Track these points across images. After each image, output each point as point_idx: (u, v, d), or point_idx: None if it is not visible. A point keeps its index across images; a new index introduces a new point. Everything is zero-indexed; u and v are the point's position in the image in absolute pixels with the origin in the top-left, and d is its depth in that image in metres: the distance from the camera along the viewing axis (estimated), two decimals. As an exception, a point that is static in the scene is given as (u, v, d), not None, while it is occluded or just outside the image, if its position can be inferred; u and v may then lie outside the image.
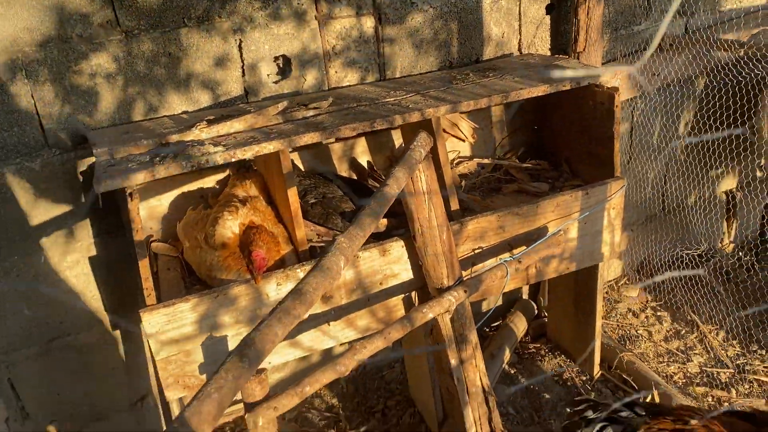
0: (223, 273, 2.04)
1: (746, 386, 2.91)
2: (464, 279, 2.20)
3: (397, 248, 2.18)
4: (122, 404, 2.63)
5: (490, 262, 2.34)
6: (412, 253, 2.20)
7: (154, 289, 1.95)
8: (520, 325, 3.22)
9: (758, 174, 3.71)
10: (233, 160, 1.87)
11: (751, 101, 3.15)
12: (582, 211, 2.42)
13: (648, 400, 2.74)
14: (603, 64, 2.90)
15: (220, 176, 2.46)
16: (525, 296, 3.44)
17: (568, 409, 2.21)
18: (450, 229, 2.15)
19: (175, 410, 2.19)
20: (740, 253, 3.89)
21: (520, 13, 2.76)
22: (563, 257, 2.49)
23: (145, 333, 1.92)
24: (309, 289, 1.33)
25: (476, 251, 2.33)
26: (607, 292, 3.57)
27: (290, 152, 2.57)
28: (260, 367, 1.93)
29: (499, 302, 3.39)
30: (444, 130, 2.71)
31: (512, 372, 3.08)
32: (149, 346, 1.96)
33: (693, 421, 1.92)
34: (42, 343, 2.38)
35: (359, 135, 2.67)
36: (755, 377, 2.96)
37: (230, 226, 2.06)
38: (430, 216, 2.08)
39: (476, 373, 2.27)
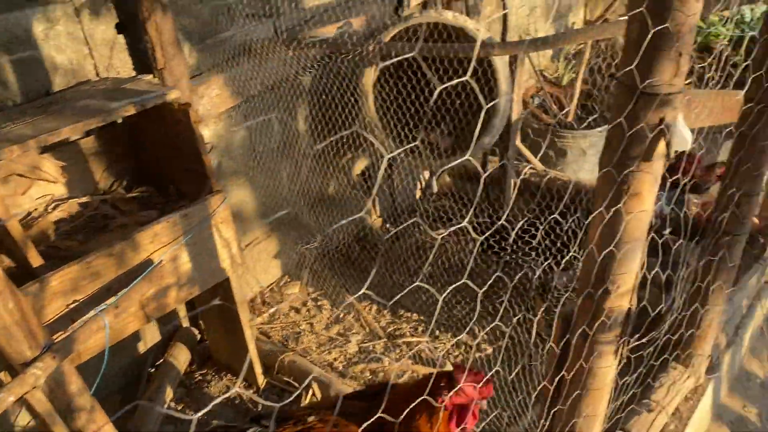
0: None
1: (397, 352, 3.16)
2: (54, 343, 1.96)
3: (-40, 331, 1.85)
4: None
5: (93, 314, 2.13)
6: (-17, 330, 1.89)
7: None
8: (181, 356, 3.07)
9: (383, 151, 4.05)
10: None
11: (355, 89, 3.39)
12: (186, 234, 2.34)
13: (310, 394, 2.81)
14: (193, 77, 2.84)
15: None
16: (186, 323, 3.29)
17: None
18: (17, 293, 1.87)
19: None
20: (387, 225, 4.23)
21: (85, 37, 2.54)
22: (181, 284, 2.39)
23: None
24: None
25: (72, 306, 2.09)
26: (269, 296, 3.60)
27: None
28: None
29: (158, 337, 3.20)
30: (23, 175, 2.40)
31: (179, 408, 2.92)
32: None
33: (310, 418, 1.97)
34: None
35: None
36: (404, 340, 3.22)
37: None
38: (-15, 286, 1.79)
39: (100, 438, 2.05)
